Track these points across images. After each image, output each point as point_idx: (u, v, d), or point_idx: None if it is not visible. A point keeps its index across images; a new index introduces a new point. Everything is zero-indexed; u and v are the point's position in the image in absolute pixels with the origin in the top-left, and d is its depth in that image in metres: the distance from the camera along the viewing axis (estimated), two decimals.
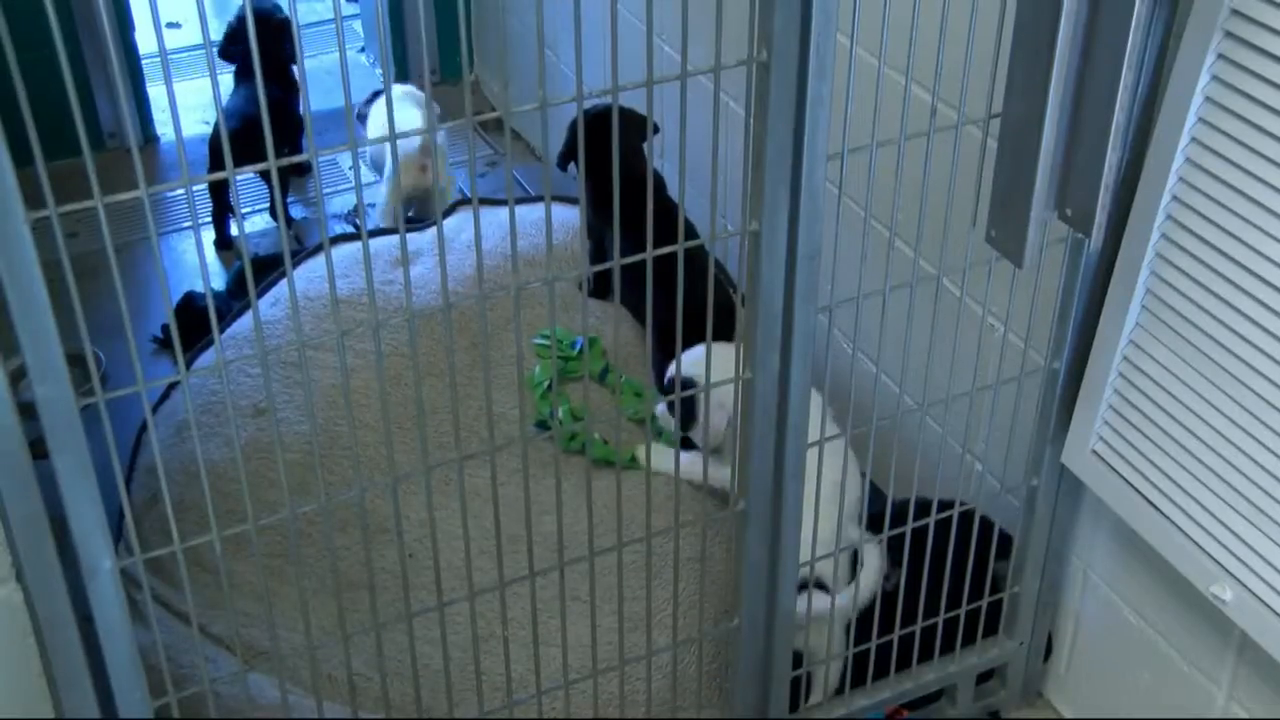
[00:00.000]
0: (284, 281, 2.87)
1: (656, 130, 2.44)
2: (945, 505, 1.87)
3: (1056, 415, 1.84)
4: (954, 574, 1.89)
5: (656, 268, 1.44)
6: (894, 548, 1.87)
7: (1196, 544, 1.69)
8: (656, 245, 1.43)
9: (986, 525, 1.94)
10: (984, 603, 1.98)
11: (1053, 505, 1.94)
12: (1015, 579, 2.02)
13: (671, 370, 2.13)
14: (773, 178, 1.42)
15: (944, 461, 1.86)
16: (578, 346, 2.67)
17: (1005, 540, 2.00)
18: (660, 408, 2.15)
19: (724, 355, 1.60)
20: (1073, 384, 1.81)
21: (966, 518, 1.88)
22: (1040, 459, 1.89)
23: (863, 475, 1.87)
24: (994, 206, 1.52)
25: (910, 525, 1.80)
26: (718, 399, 1.95)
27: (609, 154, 1.34)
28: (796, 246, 1.47)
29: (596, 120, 1.83)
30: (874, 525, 1.84)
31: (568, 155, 2.60)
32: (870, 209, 1.50)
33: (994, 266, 1.64)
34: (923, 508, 1.83)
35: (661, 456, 2.26)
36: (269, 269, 2.94)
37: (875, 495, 1.94)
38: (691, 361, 1.95)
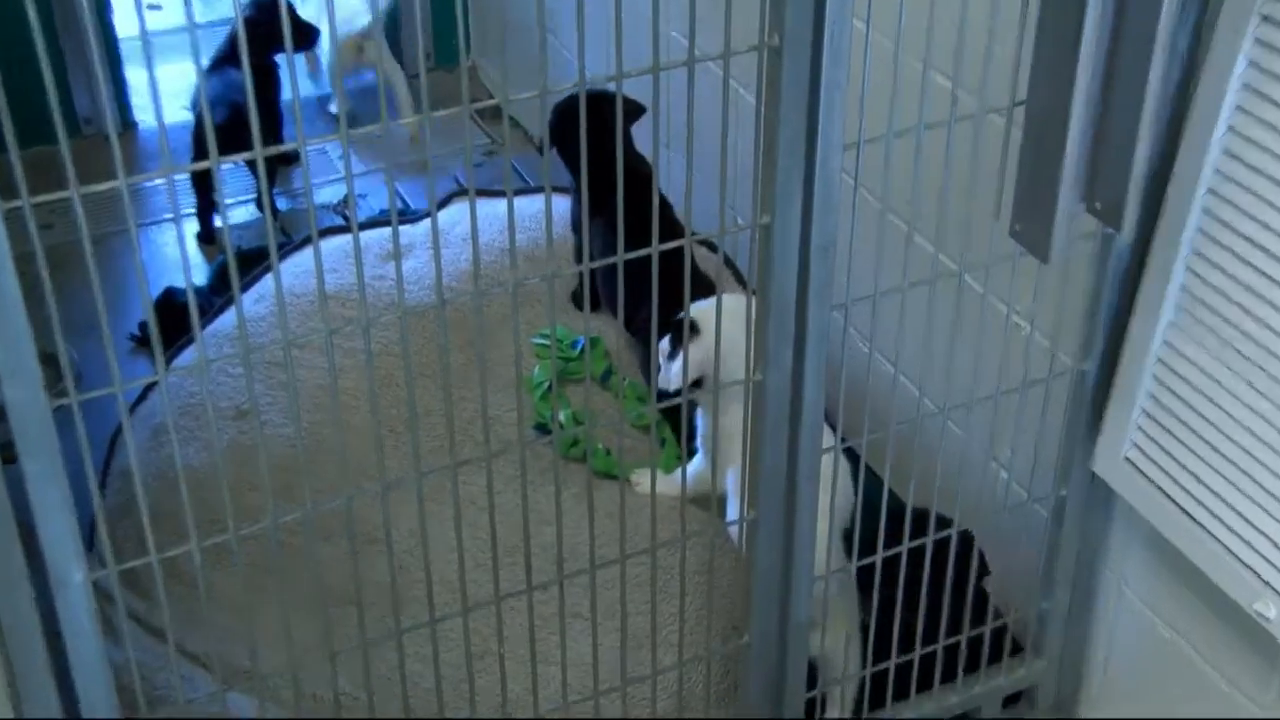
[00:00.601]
0: (269, 276, 2.89)
1: (644, 111, 2.45)
2: (939, 521, 1.87)
3: (1086, 420, 1.85)
4: (947, 594, 1.89)
5: (640, 267, 1.44)
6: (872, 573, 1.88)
7: (1237, 557, 1.69)
8: (642, 244, 1.43)
9: (968, 543, 1.94)
10: (951, 630, 1.97)
11: (1083, 516, 1.95)
12: (1044, 594, 2.03)
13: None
14: (785, 169, 1.43)
15: (966, 469, 1.87)
16: (579, 347, 2.68)
17: (983, 560, 2.00)
18: (663, 344, 2.16)
19: (733, 306, 1.61)
20: (1103, 387, 1.82)
21: (960, 537, 1.88)
22: (1069, 466, 1.90)
23: (855, 481, 1.88)
24: (1018, 199, 1.53)
25: (881, 554, 1.81)
26: (704, 353, 1.95)
27: (591, 141, 1.34)
28: (810, 241, 1.48)
29: (576, 104, 1.83)
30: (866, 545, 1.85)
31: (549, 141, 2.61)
32: (888, 202, 1.50)
33: (1019, 262, 1.65)
34: (916, 520, 1.84)
35: (664, 483, 2.27)
36: (253, 263, 2.95)
37: (893, 504, 1.95)
38: (698, 310, 1.96)
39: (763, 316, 1.54)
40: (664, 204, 2.49)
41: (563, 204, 2.84)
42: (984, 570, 2.03)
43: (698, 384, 2.17)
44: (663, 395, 2.11)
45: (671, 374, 2.15)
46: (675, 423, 2.51)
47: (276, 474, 2.32)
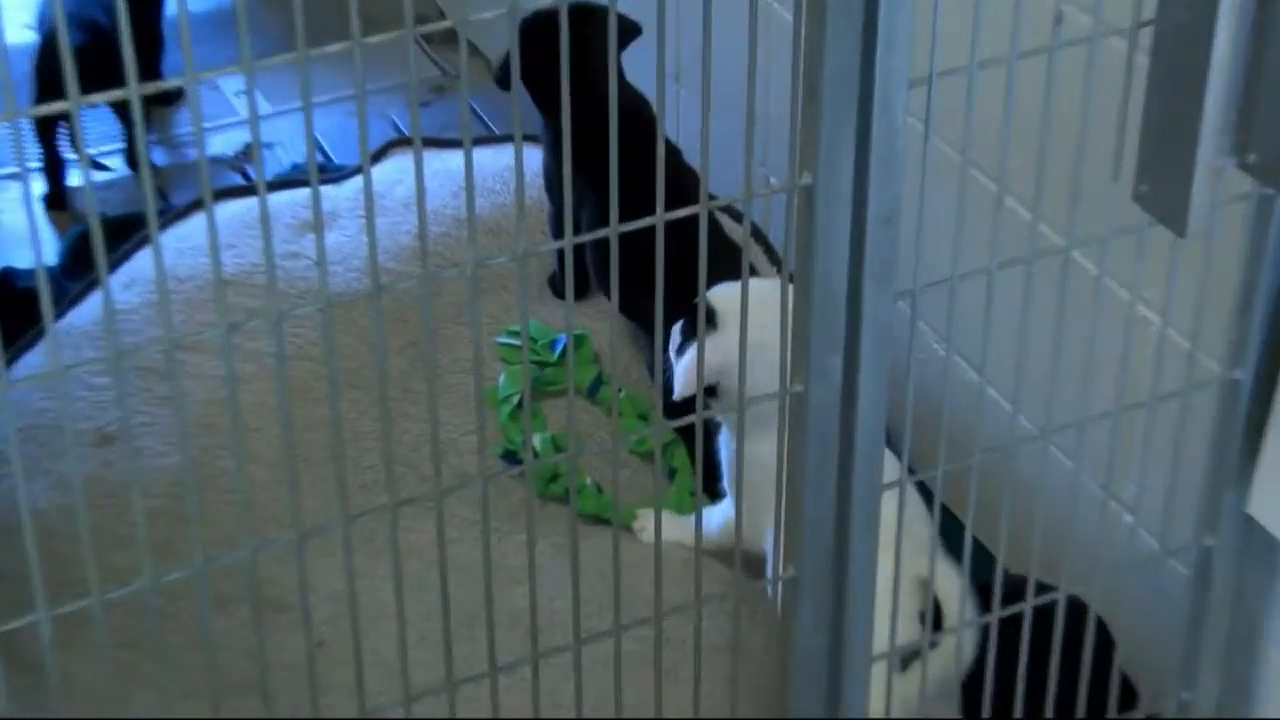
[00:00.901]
0: (144, 254, 2.90)
1: (639, 32, 2.46)
2: (1041, 585, 1.89)
3: (1239, 445, 1.86)
4: (1052, 679, 1.91)
5: (644, 238, 1.46)
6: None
7: None
8: (644, 209, 1.44)
9: (1079, 612, 1.95)
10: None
11: (1236, 574, 1.95)
12: (1185, 681, 2.04)
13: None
14: (833, 111, 1.45)
15: (1078, 513, 1.88)
16: (559, 348, 2.69)
17: (1105, 637, 2.01)
18: (674, 334, 2.19)
19: (765, 293, 1.63)
20: (1261, 400, 1.83)
21: (1069, 605, 1.90)
22: (1216, 507, 1.90)
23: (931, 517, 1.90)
24: (1145, 151, 1.54)
25: (962, 623, 1.82)
26: (725, 352, 1.98)
27: (572, 72, 1.35)
28: (866, 207, 1.50)
29: (547, 22, 1.84)
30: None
31: (507, 67, 2.61)
32: (970, 155, 1.52)
33: (1147, 235, 1.66)
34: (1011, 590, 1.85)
35: (675, 528, 2.29)
36: (122, 235, 2.97)
37: (980, 559, 1.96)
38: (719, 296, 1.99)
39: (803, 307, 1.55)
40: (673, 153, 2.51)
41: (536, 157, 2.85)
42: (1105, 642, 2.04)
43: (713, 393, 2.18)
44: (672, 410, 2.12)
45: (678, 375, 2.16)
46: (691, 447, 2.52)
47: (155, 519, 2.33)
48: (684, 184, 1.58)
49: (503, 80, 2.70)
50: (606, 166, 1.39)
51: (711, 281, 1.62)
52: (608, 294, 2.61)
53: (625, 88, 2.59)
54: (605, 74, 1.43)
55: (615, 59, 1.41)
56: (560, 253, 2.68)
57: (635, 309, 2.51)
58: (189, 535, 1.52)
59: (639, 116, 2.43)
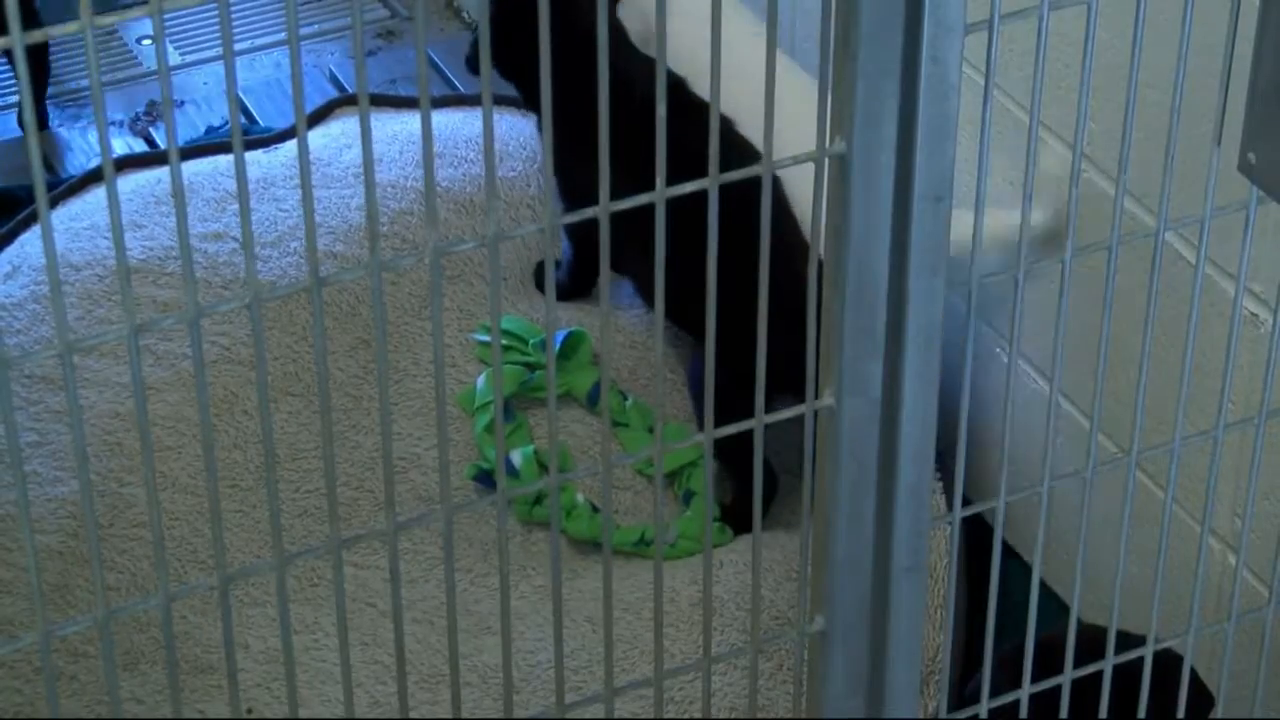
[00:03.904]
0: (30, 235, 2.90)
1: None
2: (1127, 641, 1.89)
3: None
4: None
5: (685, 215, 1.46)
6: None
7: None
8: (685, 171, 1.44)
9: (1169, 665, 1.95)
10: None
11: None
12: None
13: None
14: (870, 62, 1.45)
15: (1170, 549, 1.88)
16: (558, 344, 2.69)
17: (1201, 696, 2.01)
18: None
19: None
20: None
21: (1160, 661, 1.90)
22: None
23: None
24: (1253, 114, 1.54)
25: (1027, 688, 1.82)
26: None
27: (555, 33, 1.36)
28: (912, 180, 1.50)
29: None
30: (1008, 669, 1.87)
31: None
32: (1038, 113, 1.52)
33: (1256, 214, 1.66)
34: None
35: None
36: (2, 215, 2.97)
37: (1048, 607, 1.96)
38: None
39: (835, 303, 1.55)
40: (694, 107, 2.51)
41: (518, 123, 2.85)
42: (1201, 702, 2.04)
43: None
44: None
45: None
46: (730, 463, 2.50)
47: (49, 559, 2.32)
48: (733, 154, 1.57)
49: (473, 61, 2.71)
50: (636, 140, 1.40)
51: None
52: (635, 279, 2.62)
53: (626, 51, 2.59)
54: (586, 17, 1.44)
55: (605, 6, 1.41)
56: (567, 237, 2.69)
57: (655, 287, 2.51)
58: (89, 579, 1.52)
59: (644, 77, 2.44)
